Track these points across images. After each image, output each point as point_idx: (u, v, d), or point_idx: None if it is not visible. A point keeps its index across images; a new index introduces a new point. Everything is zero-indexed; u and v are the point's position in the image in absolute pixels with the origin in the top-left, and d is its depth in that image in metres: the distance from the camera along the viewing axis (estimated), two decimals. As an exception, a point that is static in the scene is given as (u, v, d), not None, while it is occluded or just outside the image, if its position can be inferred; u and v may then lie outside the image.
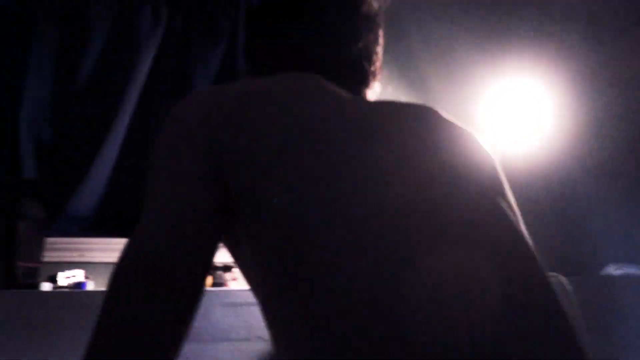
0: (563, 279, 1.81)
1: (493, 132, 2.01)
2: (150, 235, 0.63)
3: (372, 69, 0.96)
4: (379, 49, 0.98)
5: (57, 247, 1.96)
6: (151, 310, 0.60)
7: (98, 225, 2.05)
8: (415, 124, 0.77)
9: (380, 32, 0.99)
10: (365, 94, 0.96)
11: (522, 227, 0.70)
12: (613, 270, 1.99)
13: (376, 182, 0.63)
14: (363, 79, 0.95)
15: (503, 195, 0.73)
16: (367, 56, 0.94)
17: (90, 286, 1.84)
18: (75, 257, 1.97)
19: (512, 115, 1.93)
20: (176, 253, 0.62)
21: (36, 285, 1.76)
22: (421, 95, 2.17)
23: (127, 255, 0.62)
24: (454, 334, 0.53)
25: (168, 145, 0.72)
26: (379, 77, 1.01)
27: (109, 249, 1.98)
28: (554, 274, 1.82)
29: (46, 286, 1.77)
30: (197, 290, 0.63)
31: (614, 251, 2.06)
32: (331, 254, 0.58)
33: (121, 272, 0.62)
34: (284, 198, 0.62)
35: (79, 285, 1.81)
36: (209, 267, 0.67)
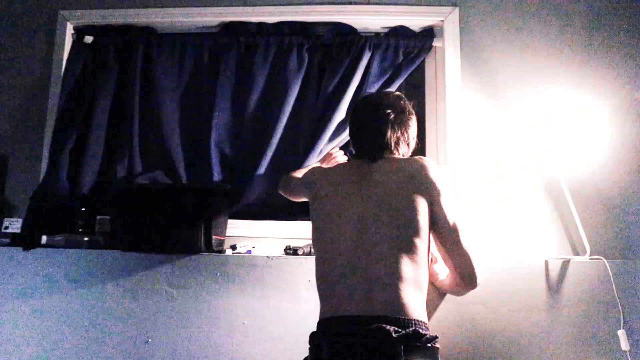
0: (606, 262, 1.87)
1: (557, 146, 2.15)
2: (294, 177, 1.93)
3: (406, 144, 1.67)
4: (409, 130, 1.65)
5: (236, 226, 2.24)
6: (293, 187, 1.92)
7: (261, 212, 2.30)
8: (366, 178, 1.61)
9: (410, 125, 1.66)
10: (395, 159, 1.64)
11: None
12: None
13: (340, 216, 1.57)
14: (397, 151, 1.65)
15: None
16: (398, 141, 1.65)
17: (256, 252, 2.06)
18: (246, 233, 2.24)
19: (571, 131, 2.05)
20: (296, 184, 1.90)
21: (223, 251, 1.99)
22: (497, 101, 2.42)
23: (289, 175, 1.97)
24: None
25: (305, 169, 1.92)
26: (413, 143, 1.69)
27: (268, 228, 2.28)
28: (599, 257, 1.94)
29: (229, 251, 1.98)
30: (298, 197, 1.93)
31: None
32: (323, 244, 1.59)
33: (288, 176, 1.98)
34: (315, 209, 1.58)
35: (249, 251, 2.04)
36: (300, 199, 1.91)
